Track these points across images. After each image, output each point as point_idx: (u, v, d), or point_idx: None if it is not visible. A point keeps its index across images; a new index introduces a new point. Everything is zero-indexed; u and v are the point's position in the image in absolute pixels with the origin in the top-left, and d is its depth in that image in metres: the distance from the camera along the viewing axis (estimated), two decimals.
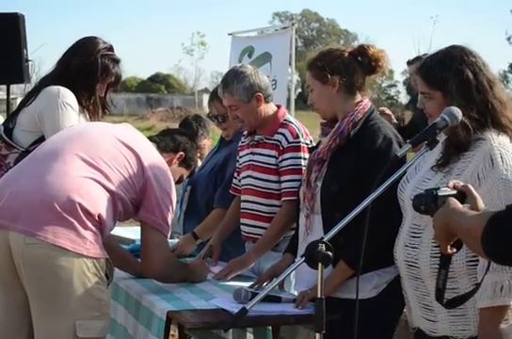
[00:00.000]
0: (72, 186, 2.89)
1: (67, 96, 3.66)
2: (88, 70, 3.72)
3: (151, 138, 3.45)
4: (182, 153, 3.51)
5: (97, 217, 2.90)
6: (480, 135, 2.57)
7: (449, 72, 2.59)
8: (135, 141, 3.15)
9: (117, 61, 3.82)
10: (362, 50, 3.18)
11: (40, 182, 2.90)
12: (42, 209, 2.84)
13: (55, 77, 3.75)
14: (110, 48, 3.83)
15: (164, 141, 3.49)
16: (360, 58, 3.18)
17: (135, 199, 3.07)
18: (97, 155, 3.00)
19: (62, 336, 2.86)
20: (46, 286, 2.83)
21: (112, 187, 2.98)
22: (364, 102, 3.20)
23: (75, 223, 2.84)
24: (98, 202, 2.92)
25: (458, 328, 2.60)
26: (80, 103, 3.74)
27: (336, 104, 3.19)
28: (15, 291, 2.89)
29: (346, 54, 3.19)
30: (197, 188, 4.37)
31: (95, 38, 3.75)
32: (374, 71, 3.20)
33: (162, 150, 3.42)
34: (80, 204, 2.86)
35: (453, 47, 2.67)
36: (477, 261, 2.51)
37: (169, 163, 3.39)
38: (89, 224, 2.87)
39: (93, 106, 3.78)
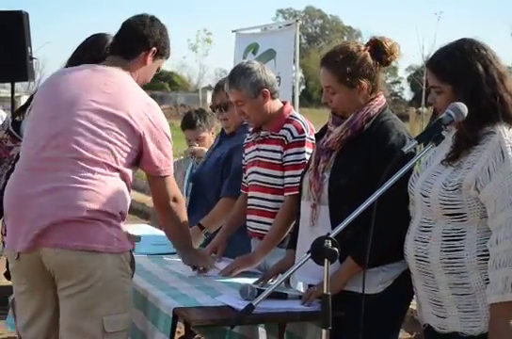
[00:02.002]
0: (86, 194, 2.89)
1: None
2: None
3: None
4: None
5: (118, 214, 2.97)
6: (491, 128, 2.55)
7: (459, 65, 2.58)
8: (114, 99, 3.02)
9: None
10: (379, 45, 3.12)
11: (53, 199, 2.89)
12: (67, 224, 2.87)
13: None
14: None
15: None
16: (375, 54, 3.11)
17: (136, 158, 3.07)
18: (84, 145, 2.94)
19: (91, 334, 2.91)
20: (77, 285, 2.88)
21: (118, 166, 2.98)
22: (380, 97, 3.17)
23: (100, 224, 2.90)
24: (114, 199, 2.95)
25: (469, 324, 2.58)
26: None
27: (358, 105, 3.14)
28: (44, 290, 2.98)
29: (368, 54, 3.11)
30: (201, 183, 4.38)
31: (104, 34, 3.74)
32: (388, 64, 3.17)
33: None
34: (100, 211, 2.89)
35: (463, 40, 2.65)
36: (489, 255, 2.50)
37: None
38: (113, 222, 2.94)
39: None
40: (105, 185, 2.93)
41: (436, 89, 2.63)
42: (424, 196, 2.62)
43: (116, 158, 2.97)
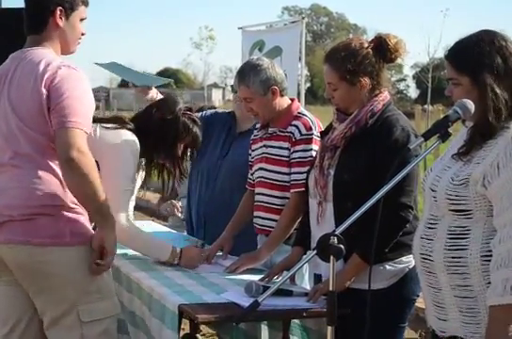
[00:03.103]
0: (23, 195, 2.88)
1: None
2: (169, 126, 3.67)
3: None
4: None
5: (69, 204, 2.90)
6: (505, 123, 2.48)
7: (477, 55, 2.50)
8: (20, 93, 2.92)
9: (195, 122, 3.76)
10: (383, 42, 3.11)
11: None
12: (14, 220, 2.88)
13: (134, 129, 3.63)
14: (189, 108, 3.80)
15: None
16: (379, 51, 3.11)
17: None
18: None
19: (68, 324, 2.94)
20: (38, 283, 2.91)
21: (46, 161, 2.90)
22: (384, 93, 3.17)
23: (49, 218, 2.87)
24: (57, 192, 2.89)
25: (470, 330, 2.47)
26: (151, 160, 3.70)
27: (360, 100, 3.14)
28: (19, 285, 2.98)
29: (371, 51, 3.10)
30: (220, 173, 4.28)
31: (174, 94, 3.71)
32: (393, 61, 3.16)
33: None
34: (44, 206, 2.87)
35: (483, 31, 2.57)
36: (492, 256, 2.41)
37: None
38: (64, 213, 2.89)
39: (172, 165, 3.74)
40: (30, 178, 2.88)
41: (453, 81, 2.55)
42: (433, 190, 2.56)
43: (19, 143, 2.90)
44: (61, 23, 3.01)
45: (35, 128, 2.90)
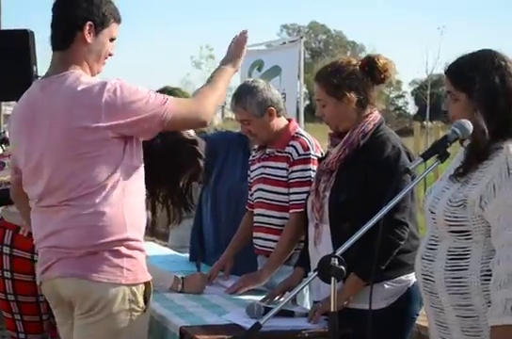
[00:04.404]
0: (82, 232, 2.70)
1: None
2: (174, 156, 3.48)
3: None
4: None
5: (126, 241, 2.73)
6: (500, 143, 2.48)
7: (476, 72, 2.51)
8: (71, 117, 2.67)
9: (199, 155, 3.62)
10: (371, 62, 3.17)
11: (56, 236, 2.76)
12: (73, 256, 2.73)
13: None
14: (194, 141, 3.62)
15: None
16: (368, 70, 3.17)
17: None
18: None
19: None
20: (84, 316, 2.75)
21: (108, 181, 2.69)
22: (374, 113, 3.21)
23: (106, 255, 2.70)
24: (118, 223, 2.72)
25: None
26: (153, 192, 3.43)
27: (349, 119, 3.19)
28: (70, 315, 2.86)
29: (358, 68, 3.17)
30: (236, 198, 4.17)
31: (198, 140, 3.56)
32: (382, 81, 3.21)
33: None
34: (104, 244, 2.70)
35: (485, 50, 2.59)
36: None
37: None
38: (123, 251, 2.72)
39: (175, 197, 3.53)
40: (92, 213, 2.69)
41: (451, 96, 2.58)
42: (432, 212, 2.58)
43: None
44: (89, 39, 2.77)
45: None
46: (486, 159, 2.49)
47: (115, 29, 2.84)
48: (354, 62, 3.20)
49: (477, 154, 2.51)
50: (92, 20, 2.76)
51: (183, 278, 3.61)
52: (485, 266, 2.44)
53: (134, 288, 2.74)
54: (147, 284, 2.80)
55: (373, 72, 3.17)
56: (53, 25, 2.82)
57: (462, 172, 2.53)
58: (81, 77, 2.74)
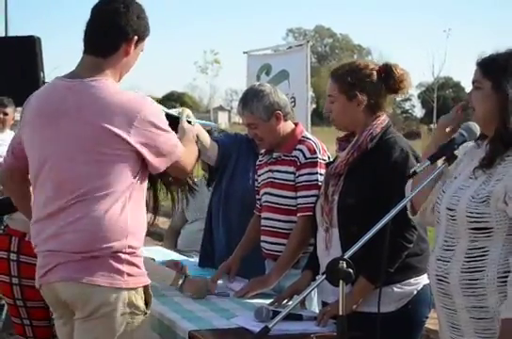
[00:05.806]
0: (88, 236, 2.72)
1: None
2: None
3: None
4: None
5: (127, 247, 2.75)
6: None
7: (505, 65, 2.51)
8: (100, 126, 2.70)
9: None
10: (388, 70, 3.18)
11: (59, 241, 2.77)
12: (73, 260, 2.75)
13: None
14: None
15: None
16: (384, 77, 3.18)
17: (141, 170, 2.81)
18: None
19: None
20: (83, 319, 2.77)
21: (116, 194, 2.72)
22: (382, 117, 3.21)
23: (106, 259, 2.72)
24: (120, 229, 2.73)
25: None
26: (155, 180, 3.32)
27: (357, 121, 3.20)
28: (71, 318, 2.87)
29: (375, 73, 3.18)
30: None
31: None
32: (396, 91, 3.22)
33: None
34: (105, 249, 2.71)
35: None
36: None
37: None
38: (123, 256, 2.74)
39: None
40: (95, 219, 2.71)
41: (476, 84, 2.56)
42: (451, 209, 2.54)
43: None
44: (131, 51, 2.84)
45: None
46: (508, 155, 2.48)
47: (145, 42, 2.91)
48: (372, 66, 3.21)
49: (505, 143, 2.48)
50: (138, 34, 2.83)
51: (186, 276, 3.63)
52: (502, 267, 2.43)
53: (134, 292, 2.76)
54: (146, 288, 2.82)
55: (388, 80, 3.18)
56: (99, 32, 2.83)
57: (489, 162, 2.50)
58: (117, 86, 2.80)
